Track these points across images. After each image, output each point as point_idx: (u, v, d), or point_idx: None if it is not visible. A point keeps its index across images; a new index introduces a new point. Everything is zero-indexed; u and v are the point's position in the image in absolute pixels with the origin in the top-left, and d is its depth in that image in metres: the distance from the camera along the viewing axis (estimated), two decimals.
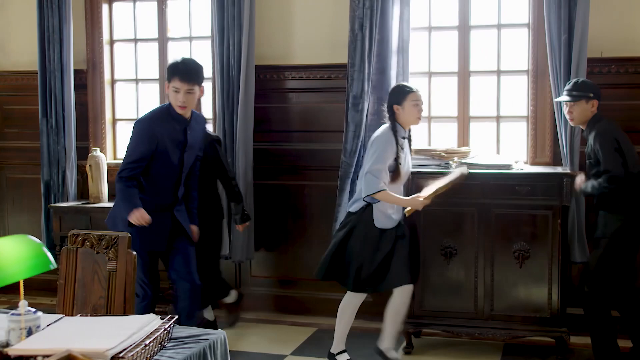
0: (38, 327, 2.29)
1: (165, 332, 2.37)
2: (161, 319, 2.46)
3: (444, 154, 4.56)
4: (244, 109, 5.05)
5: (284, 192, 5.30)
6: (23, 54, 5.79)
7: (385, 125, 4.14)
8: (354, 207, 4.14)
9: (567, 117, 4.16)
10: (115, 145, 5.78)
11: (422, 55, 5.08)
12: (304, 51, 5.17)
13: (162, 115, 3.85)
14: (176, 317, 2.49)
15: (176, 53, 5.61)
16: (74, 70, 5.52)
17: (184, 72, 3.79)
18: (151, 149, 3.79)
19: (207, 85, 5.37)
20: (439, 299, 4.49)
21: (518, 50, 4.96)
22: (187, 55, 4.08)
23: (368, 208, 4.07)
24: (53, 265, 2.01)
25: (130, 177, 3.80)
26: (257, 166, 5.20)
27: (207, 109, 5.40)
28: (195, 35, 5.52)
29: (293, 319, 5.20)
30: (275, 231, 5.34)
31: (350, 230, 4.10)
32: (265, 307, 5.36)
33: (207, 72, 5.21)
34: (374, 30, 4.76)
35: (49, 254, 2.02)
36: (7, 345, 2.15)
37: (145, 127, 3.80)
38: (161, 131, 3.80)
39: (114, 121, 5.78)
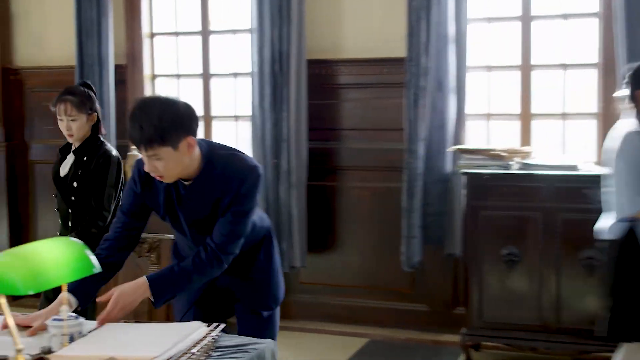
0: (80, 333, 2.32)
1: (211, 340, 2.37)
2: (207, 326, 2.46)
3: (504, 154, 4.51)
4: (296, 106, 5.06)
5: (334, 193, 5.30)
6: (60, 48, 5.90)
7: (629, 123, 3.37)
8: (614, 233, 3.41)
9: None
10: None
11: (480, 48, 5.03)
12: (356, 44, 5.16)
13: None
14: (223, 325, 2.50)
15: (219, 47, 5.66)
16: (114, 65, 5.60)
17: None
18: None
19: (244, 81, 5.40)
20: (500, 310, 4.43)
21: (586, 42, 4.87)
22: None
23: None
24: (97, 269, 2.03)
25: None
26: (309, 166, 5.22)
27: (244, 106, 5.42)
28: (238, 28, 5.56)
29: (343, 329, 5.18)
30: (326, 235, 5.33)
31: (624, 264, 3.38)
32: (313, 315, 5.36)
33: (246, 66, 5.30)
34: (431, 22, 4.72)
35: (93, 257, 2.05)
36: (49, 351, 2.19)
37: None
38: None
39: None
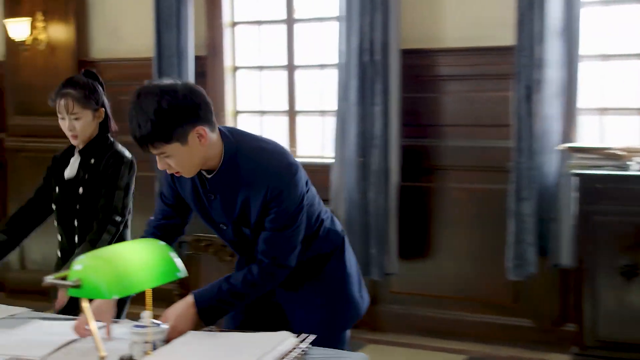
0: (163, 341, 2.32)
1: (301, 353, 2.34)
2: (296, 337, 2.43)
3: (621, 153, 4.35)
4: (386, 100, 4.94)
5: (429, 195, 5.20)
6: (138, 39, 5.98)
7: None
8: None
9: None
10: None
11: (595, 35, 4.86)
12: (455, 32, 5.01)
13: None
14: (313, 336, 2.46)
15: (304, 36, 5.65)
16: (194, 56, 5.60)
17: None
18: None
19: (329, 72, 5.35)
20: (616, 327, 4.26)
21: None
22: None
23: None
24: (182, 273, 2.01)
25: None
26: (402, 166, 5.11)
27: (328, 99, 5.38)
28: (325, 16, 5.53)
29: (438, 344, 5.06)
30: (420, 241, 5.24)
31: None
32: (406, 328, 5.25)
33: (333, 56, 5.25)
34: (545, 7, 4.57)
35: (178, 260, 2.03)
36: (131, 359, 2.19)
37: None
38: None
39: (236, 113, 5.88)
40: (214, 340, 2.39)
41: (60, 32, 6.10)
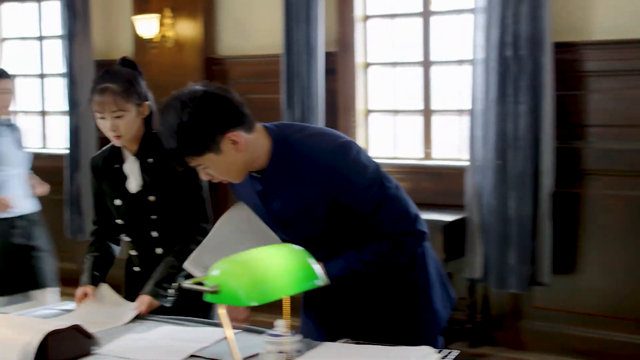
0: (299, 351, 2.31)
1: None
2: (438, 352, 2.40)
3: None
4: (539, 98, 4.83)
5: (579, 202, 5.03)
6: (266, 35, 6.07)
7: None
8: None
9: None
10: (368, 142, 5.88)
11: None
12: (608, 23, 4.84)
13: None
14: (457, 352, 2.42)
15: (441, 30, 5.59)
16: (324, 52, 5.64)
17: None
18: None
19: (467, 69, 5.28)
20: None
21: None
22: None
23: None
24: (320, 280, 2.02)
25: None
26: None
27: (466, 97, 5.30)
28: (464, 8, 5.46)
29: None
30: (567, 252, 5.09)
31: None
32: (549, 347, 5.14)
33: (470, 51, 5.16)
34: None
35: (317, 267, 2.04)
36: None
37: None
38: None
39: (367, 112, 5.89)
40: (353, 353, 2.39)
41: (188, 29, 6.27)
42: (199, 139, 2.28)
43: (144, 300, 2.80)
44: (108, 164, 2.99)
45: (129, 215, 2.97)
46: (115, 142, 2.95)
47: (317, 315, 2.69)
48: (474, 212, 5.06)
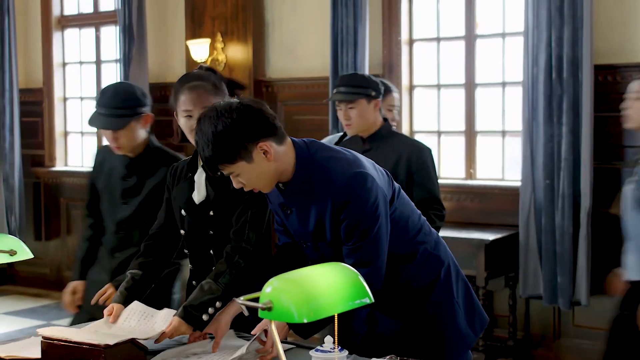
0: None
1: None
2: None
3: None
4: (575, 119, 4.80)
5: (618, 222, 4.95)
6: (314, 59, 6.10)
7: None
8: None
9: None
10: None
11: None
12: None
13: None
14: None
15: (485, 52, 5.56)
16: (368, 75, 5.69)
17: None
18: None
19: (517, 90, 5.24)
20: None
21: None
22: None
23: None
24: (371, 299, 2.00)
25: None
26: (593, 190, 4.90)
27: (513, 118, 5.26)
28: (509, 31, 5.43)
29: None
30: (606, 272, 4.99)
31: None
32: None
33: (517, 73, 5.13)
34: None
35: (366, 284, 2.03)
36: None
37: None
38: None
39: (412, 133, 5.86)
40: None
41: (238, 52, 6.33)
42: (231, 147, 2.34)
43: (173, 322, 2.62)
44: (185, 172, 2.87)
45: (190, 227, 2.84)
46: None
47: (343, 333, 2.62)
48: (530, 232, 5.03)
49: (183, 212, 2.84)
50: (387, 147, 3.69)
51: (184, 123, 2.78)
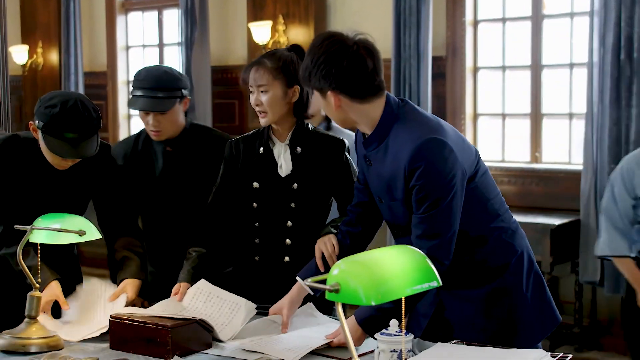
0: (409, 351, 2.29)
1: None
2: (552, 356, 2.33)
3: None
4: None
5: None
6: (376, 40, 5.99)
7: None
8: None
9: None
10: (476, 145, 5.79)
11: None
12: None
13: None
14: (570, 355, 2.34)
15: (552, 33, 5.46)
16: (432, 57, 5.62)
17: None
18: None
19: (582, 72, 5.13)
20: None
21: None
22: None
23: None
24: (438, 282, 1.98)
25: None
26: None
27: (581, 101, 5.14)
28: (577, 11, 5.32)
29: None
30: None
31: None
32: None
33: (585, 54, 5.03)
34: None
35: (434, 268, 2.00)
36: None
37: None
38: None
39: (475, 116, 5.80)
40: (469, 353, 2.34)
41: (299, 34, 6.32)
42: (316, 77, 2.39)
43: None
44: (250, 148, 2.86)
45: (266, 200, 2.84)
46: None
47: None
48: (590, 217, 4.91)
49: (256, 184, 2.84)
50: None
51: (250, 97, 2.81)
